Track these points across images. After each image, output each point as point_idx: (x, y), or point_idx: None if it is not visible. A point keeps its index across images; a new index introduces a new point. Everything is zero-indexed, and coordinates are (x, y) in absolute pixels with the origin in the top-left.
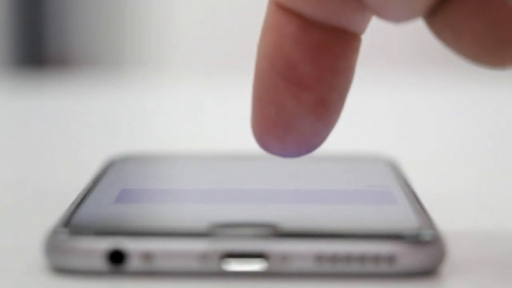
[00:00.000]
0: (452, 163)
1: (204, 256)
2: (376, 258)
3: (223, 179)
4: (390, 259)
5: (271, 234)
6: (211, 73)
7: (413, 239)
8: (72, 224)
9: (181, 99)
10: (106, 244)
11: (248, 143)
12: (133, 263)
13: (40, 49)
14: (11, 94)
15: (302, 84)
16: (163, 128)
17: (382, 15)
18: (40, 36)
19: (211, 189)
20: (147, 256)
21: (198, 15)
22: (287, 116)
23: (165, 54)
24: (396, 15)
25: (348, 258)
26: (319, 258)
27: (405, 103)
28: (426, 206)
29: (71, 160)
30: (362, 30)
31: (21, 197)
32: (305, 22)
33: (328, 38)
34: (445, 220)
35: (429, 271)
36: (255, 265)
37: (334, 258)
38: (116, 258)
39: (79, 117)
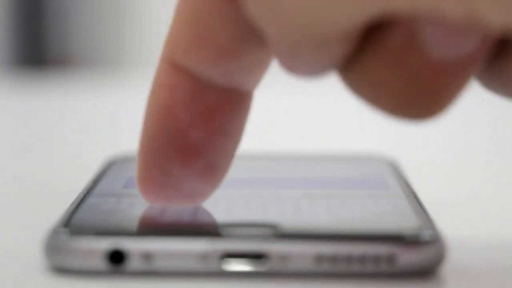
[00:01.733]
0: (452, 164)
1: (204, 256)
2: (376, 258)
3: None
4: (390, 259)
5: (271, 234)
6: None
7: (413, 239)
8: (72, 224)
9: None
10: (106, 244)
11: (248, 143)
12: (133, 263)
13: (40, 49)
14: (11, 94)
15: (191, 150)
16: None
17: (292, 69)
18: (40, 36)
19: None
20: (147, 256)
21: None
22: (173, 179)
23: None
24: (305, 68)
25: (348, 258)
26: (319, 258)
27: None
28: (426, 206)
29: (71, 160)
30: (255, 87)
31: (21, 197)
32: (198, 83)
33: (221, 100)
34: (445, 220)
35: (429, 271)
36: (255, 265)
37: (334, 258)
38: (116, 258)
39: (79, 117)
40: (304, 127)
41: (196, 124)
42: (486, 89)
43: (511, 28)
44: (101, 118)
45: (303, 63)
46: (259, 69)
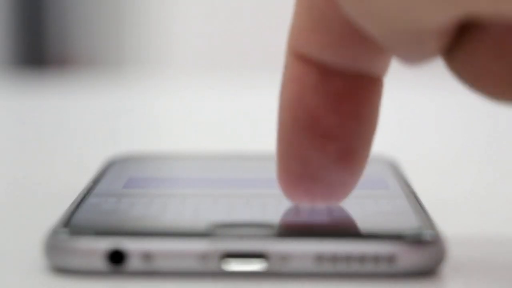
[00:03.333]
0: (452, 163)
1: (204, 256)
2: (376, 258)
3: (223, 179)
4: (390, 259)
5: (271, 234)
6: (211, 72)
7: (413, 239)
8: (72, 224)
9: (181, 99)
10: (106, 244)
11: (248, 143)
12: (133, 263)
13: (40, 49)
14: (11, 94)
15: (326, 135)
16: (163, 128)
17: (400, 58)
18: (40, 36)
19: (211, 189)
20: (147, 256)
21: (198, 15)
22: (312, 168)
23: (165, 54)
24: (414, 57)
25: (348, 258)
26: (319, 258)
27: (405, 103)
28: (426, 206)
29: (71, 160)
30: (383, 73)
31: (21, 197)
32: (325, 71)
33: (349, 85)
34: (445, 220)
35: (429, 271)
36: (255, 265)
37: (334, 258)
38: (116, 258)
39: (79, 117)
40: None
41: (327, 109)
42: (459, 81)
43: None
44: (101, 118)
45: (406, 54)
46: (382, 56)
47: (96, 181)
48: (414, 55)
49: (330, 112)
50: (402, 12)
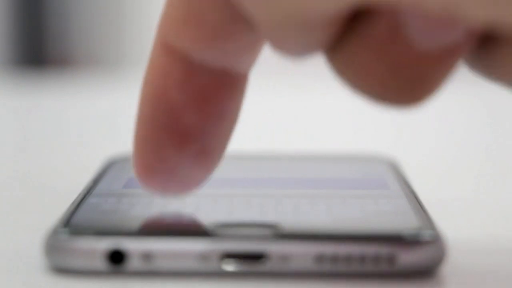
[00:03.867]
0: (452, 163)
1: (204, 256)
2: (376, 258)
3: (223, 179)
4: (390, 259)
5: (271, 234)
6: None
7: (413, 239)
8: (72, 224)
9: None
10: (106, 244)
11: (248, 143)
12: (133, 263)
13: (40, 49)
14: (11, 94)
15: (185, 134)
16: None
17: (279, 49)
18: (40, 36)
19: (211, 189)
20: (147, 256)
21: None
22: (167, 164)
23: None
24: (292, 49)
25: (348, 258)
26: (319, 258)
27: None
28: (426, 206)
29: (71, 160)
30: (249, 69)
31: (21, 197)
32: (191, 66)
33: (215, 83)
34: (445, 220)
35: (429, 271)
36: (255, 265)
37: (334, 258)
38: (116, 258)
39: (79, 117)
40: (304, 127)
41: (189, 107)
42: (475, 74)
43: (491, 22)
44: (101, 118)
45: (287, 44)
46: (252, 51)
47: (96, 181)
48: (295, 45)
49: (191, 112)
50: None
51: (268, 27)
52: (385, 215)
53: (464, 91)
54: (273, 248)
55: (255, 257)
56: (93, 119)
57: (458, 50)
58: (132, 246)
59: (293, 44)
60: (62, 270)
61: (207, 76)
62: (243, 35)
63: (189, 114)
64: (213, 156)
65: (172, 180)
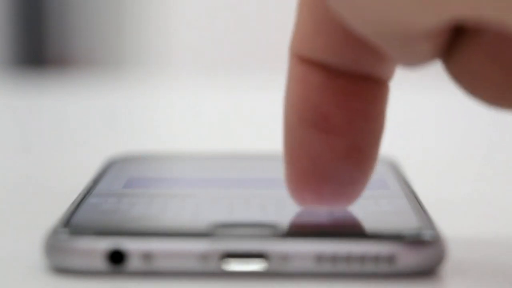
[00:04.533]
0: (452, 163)
1: (204, 256)
2: (376, 258)
3: (223, 179)
4: (390, 259)
5: (271, 234)
6: (211, 72)
7: (413, 239)
8: (72, 224)
9: (181, 99)
10: (106, 244)
11: (248, 143)
12: (133, 263)
13: (40, 49)
14: (11, 94)
15: (334, 131)
16: (163, 128)
17: (399, 60)
18: (40, 36)
19: (211, 189)
20: (147, 256)
21: (197, 15)
22: (321, 166)
23: (165, 54)
24: (413, 61)
25: (348, 258)
26: (319, 258)
27: (405, 103)
28: (426, 206)
29: (71, 160)
30: (389, 77)
31: (21, 197)
32: (329, 71)
33: (354, 85)
34: (445, 220)
35: (429, 271)
36: (255, 265)
37: (334, 258)
38: (116, 258)
39: (79, 117)
40: None
41: (334, 107)
42: (458, 86)
43: None
44: (101, 118)
45: (401, 55)
46: (385, 59)
47: (96, 181)
48: (408, 57)
49: (337, 109)
50: (386, 13)
51: (377, 42)
52: (385, 215)
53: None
54: (273, 248)
55: (255, 257)
56: (93, 119)
57: None
58: (132, 246)
59: (406, 56)
60: (62, 270)
61: (345, 80)
62: (369, 46)
63: (334, 112)
64: (364, 156)
65: (327, 186)
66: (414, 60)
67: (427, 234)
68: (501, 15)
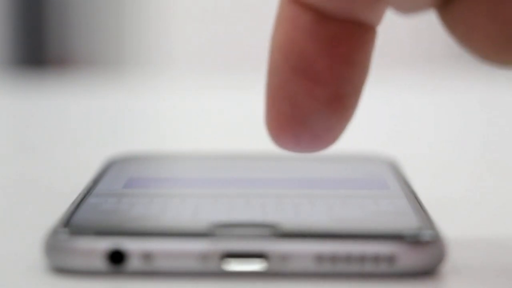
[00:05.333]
0: (452, 163)
1: (204, 256)
2: (376, 258)
3: (223, 179)
4: (390, 259)
5: (271, 234)
6: (211, 72)
7: (413, 239)
8: (72, 224)
9: (181, 99)
10: (106, 244)
11: (248, 143)
12: (133, 263)
13: (40, 49)
14: (11, 94)
15: (317, 78)
16: (163, 128)
17: (394, 4)
18: (40, 36)
19: (211, 189)
20: (147, 256)
21: (198, 15)
22: (301, 111)
23: (165, 54)
24: (408, 5)
25: (348, 258)
26: (319, 258)
27: (405, 103)
28: (426, 206)
29: (71, 160)
30: (377, 22)
31: (21, 197)
32: (319, 14)
33: (343, 31)
34: (445, 220)
35: (429, 271)
36: (255, 265)
37: (334, 258)
38: (116, 258)
39: (79, 117)
40: None
41: (320, 52)
42: (451, 35)
43: None
44: (101, 118)
45: (396, 1)
46: (377, 4)
47: (96, 181)
48: (408, 3)
49: (322, 56)
50: None
51: None
52: (385, 215)
53: (464, 90)
54: (273, 248)
55: (255, 257)
56: (93, 119)
57: None
58: (132, 246)
59: (405, 2)
60: (62, 270)
61: (334, 24)
62: None
63: (320, 59)
64: (345, 105)
65: (305, 131)
66: (412, 6)
67: (427, 234)
68: None
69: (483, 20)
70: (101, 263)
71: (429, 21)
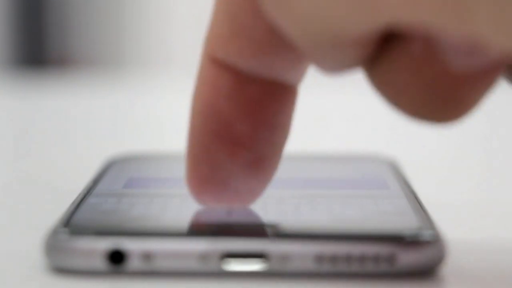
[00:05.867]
0: (452, 163)
1: (204, 256)
2: (376, 258)
3: None
4: (390, 259)
5: (271, 234)
6: None
7: (413, 239)
8: (72, 224)
9: (181, 99)
10: (106, 244)
11: None
12: (133, 263)
13: (40, 49)
14: (11, 94)
15: (237, 142)
16: (163, 128)
17: (316, 64)
18: (40, 36)
19: None
20: (147, 256)
21: (197, 15)
22: (221, 174)
23: (165, 54)
24: (331, 65)
25: (348, 258)
26: (319, 258)
27: None
28: (426, 206)
29: (71, 160)
30: (298, 81)
31: (21, 197)
32: (239, 77)
33: (264, 93)
34: (445, 220)
35: (429, 271)
36: (255, 265)
37: (334, 258)
38: (116, 258)
39: (79, 117)
40: (305, 127)
41: (240, 117)
42: (380, 95)
43: None
44: (101, 118)
45: (324, 62)
46: (299, 65)
47: (96, 181)
48: (332, 63)
49: (242, 120)
50: (321, 13)
51: (303, 45)
52: (385, 215)
53: None
54: (273, 248)
55: (255, 257)
56: (93, 119)
57: (494, 71)
58: (132, 246)
59: (330, 62)
60: (62, 270)
61: (255, 87)
62: (287, 50)
63: (240, 122)
64: (267, 166)
65: (226, 192)
66: (337, 66)
67: (427, 234)
68: (438, 19)
69: (408, 81)
70: (101, 263)
71: None
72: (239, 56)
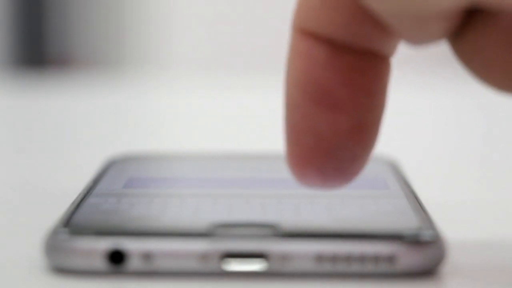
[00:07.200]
0: (453, 164)
1: (204, 256)
2: (376, 258)
3: (223, 179)
4: (390, 259)
5: (271, 234)
6: (211, 72)
7: (413, 239)
8: (72, 224)
9: (181, 99)
10: (106, 244)
11: (248, 143)
12: (133, 263)
13: (40, 49)
14: (11, 94)
15: (339, 108)
16: (163, 128)
17: (405, 39)
18: (40, 36)
19: (211, 189)
20: (147, 256)
21: (198, 15)
22: (325, 143)
23: (165, 54)
24: (419, 38)
25: (348, 258)
26: (319, 258)
27: (405, 103)
28: (426, 206)
29: (71, 160)
30: (391, 53)
31: (21, 197)
32: (333, 46)
33: (359, 62)
34: (445, 220)
35: (429, 271)
36: (255, 265)
37: (334, 258)
38: (116, 258)
39: (79, 117)
40: None
41: (338, 82)
42: (464, 66)
43: None
44: (101, 118)
45: (410, 34)
46: (389, 36)
47: (96, 181)
48: (419, 36)
49: (340, 85)
50: None
51: (389, 21)
52: (385, 215)
53: (465, 91)
54: (273, 248)
55: (255, 257)
56: (93, 119)
57: None
58: (132, 246)
59: (415, 35)
60: (62, 270)
61: (349, 55)
62: (375, 21)
63: (338, 88)
64: (367, 132)
65: (331, 164)
66: (423, 39)
67: (427, 234)
68: None
69: (499, 51)
70: (101, 263)
71: None
72: (331, 27)
